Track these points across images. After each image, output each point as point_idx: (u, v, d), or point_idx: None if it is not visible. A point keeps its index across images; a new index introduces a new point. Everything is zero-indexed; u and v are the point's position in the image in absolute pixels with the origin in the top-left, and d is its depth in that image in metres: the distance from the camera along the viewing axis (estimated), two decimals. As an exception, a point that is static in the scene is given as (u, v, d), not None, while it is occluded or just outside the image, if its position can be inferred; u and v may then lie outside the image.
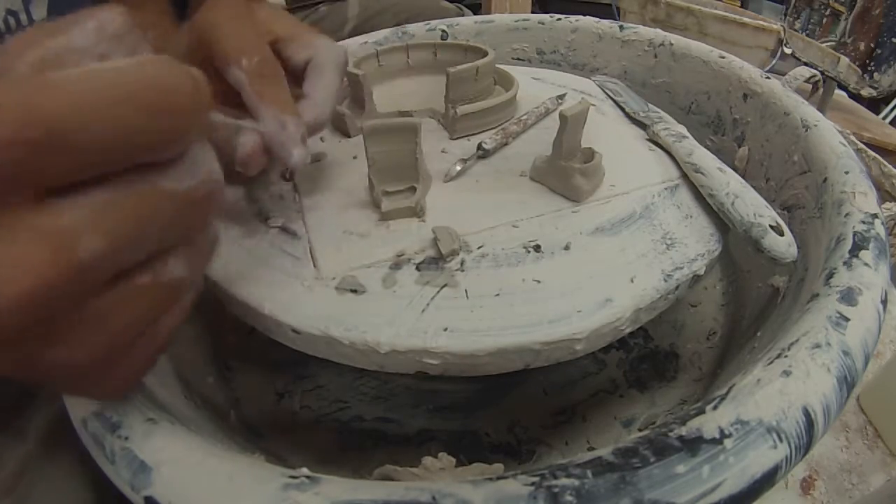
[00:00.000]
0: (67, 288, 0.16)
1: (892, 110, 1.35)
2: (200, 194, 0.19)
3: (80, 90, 0.15)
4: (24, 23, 0.35)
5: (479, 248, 0.29)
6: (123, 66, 0.16)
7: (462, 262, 0.29)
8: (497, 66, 0.41)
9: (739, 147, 0.42)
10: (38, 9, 0.35)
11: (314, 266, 0.29)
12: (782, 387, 0.20)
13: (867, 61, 1.26)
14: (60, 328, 0.17)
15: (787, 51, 1.02)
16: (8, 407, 0.36)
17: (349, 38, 0.56)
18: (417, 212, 0.31)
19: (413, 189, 0.32)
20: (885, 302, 0.25)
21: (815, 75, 0.47)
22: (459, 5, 0.85)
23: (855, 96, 1.26)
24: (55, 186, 0.16)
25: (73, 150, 0.15)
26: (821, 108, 0.75)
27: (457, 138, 0.38)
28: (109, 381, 0.20)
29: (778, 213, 0.31)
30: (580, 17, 0.54)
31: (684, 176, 0.35)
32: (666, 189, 0.34)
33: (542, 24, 0.54)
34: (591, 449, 0.34)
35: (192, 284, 0.21)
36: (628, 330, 0.28)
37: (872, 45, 1.25)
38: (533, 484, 0.18)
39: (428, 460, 0.26)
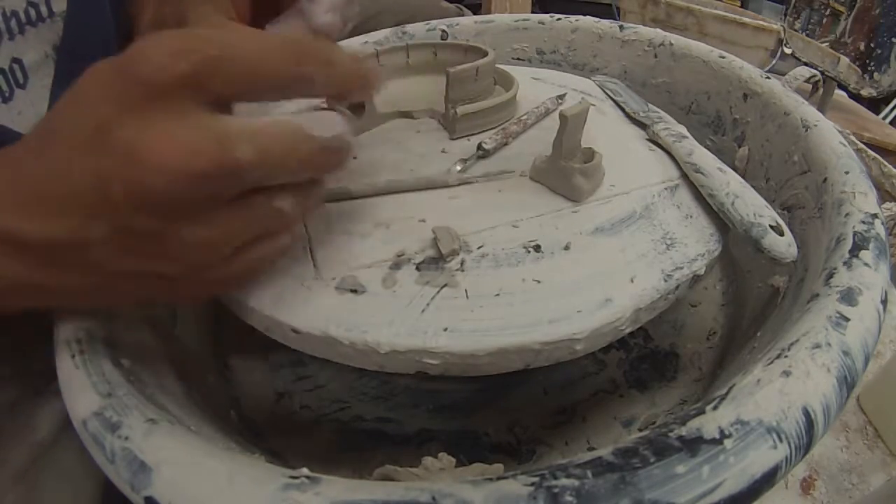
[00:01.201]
0: (218, 181, 0.20)
1: (892, 110, 1.35)
2: (334, 146, 0.23)
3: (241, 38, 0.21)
4: (45, 15, 0.36)
5: (479, 248, 0.29)
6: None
7: (462, 262, 0.29)
8: (497, 66, 0.41)
9: (739, 147, 0.42)
10: (58, 1, 0.36)
11: (314, 266, 0.29)
12: (782, 387, 0.20)
13: (867, 61, 1.26)
14: (197, 218, 0.21)
15: (787, 51, 1.02)
16: (20, 397, 0.36)
17: (349, 38, 0.56)
18: None
19: None
20: (885, 302, 0.25)
21: (815, 75, 0.47)
22: (459, 5, 0.85)
23: (855, 96, 1.26)
24: (229, 101, 0.21)
25: (240, 69, 0.20)
26: (821, 108, 0.75)
27: (457, 138, 0.38)
28: (195, 286, 0.24)
29: (778, 213, 0.31)
30: (580, 17, 0.54)
31: (684, 176, 0.35)
32: (666, 189, 0.34)
33: (542, 24, 0.54)
34: (591, 449, 0.34)
35: (293, 226, 0.26)
36: (628, 330, 0.28)
37: (872, 44, 1.25)
38: (533, 484, 0.18)
39: (428, 460, 0.26)
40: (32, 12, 0.35)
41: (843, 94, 1.27)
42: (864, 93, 1.18)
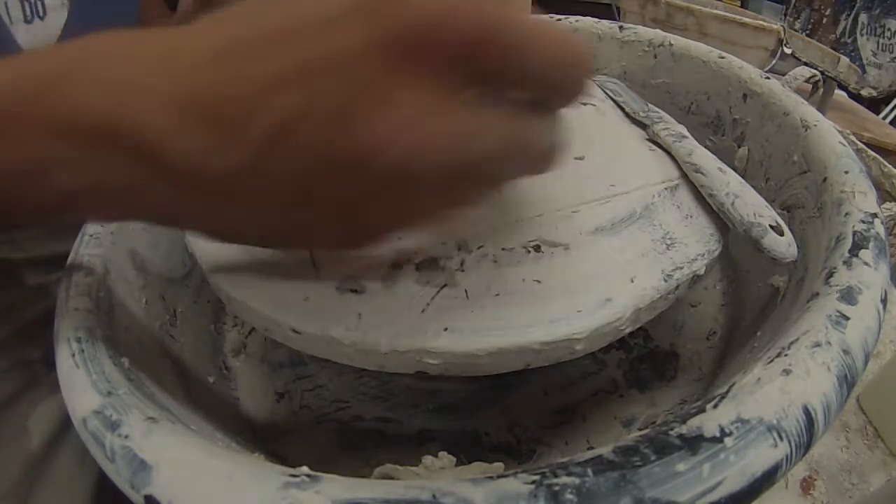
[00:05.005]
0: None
1: (892, 110, 1.35)
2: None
3: None
4: (41, 13, 0.40)
5: (479, 248, 0.29)
6: None
7: (462, 262, 0.29)
8: (497, 66, 0.41)
9: (739, 147, 0.42)
10: None
11: (314, 266, 0.29)
12: (782, 385, 0.20)
13: (867, 61, 1.26)
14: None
15: (787, 51, 1.02)
16: (16, 393, 0.36)
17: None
18: None
19: None
20: (884, 301, 0.25)
21: (815, 75, 0.47)
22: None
23: (855, 96, 1.27)
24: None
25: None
26: (821, 108, 0.75)
27: (457, 138, 0.38)
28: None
29: (778, 213, 0.31)
30: (580, 17, 0.54)
31: (684, 176, 0.35)
32: (666, 189, 0.34)
33: (542, 24, 0.54)
34: (590, 449, 0.34)
35: None
36: (628, 330, 0.28)
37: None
38: (533, 482, 0.18)
39: (428, 459, 0.26)
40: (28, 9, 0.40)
41: (843, 94, 1.27)
42: (864, 93, 1.18)
